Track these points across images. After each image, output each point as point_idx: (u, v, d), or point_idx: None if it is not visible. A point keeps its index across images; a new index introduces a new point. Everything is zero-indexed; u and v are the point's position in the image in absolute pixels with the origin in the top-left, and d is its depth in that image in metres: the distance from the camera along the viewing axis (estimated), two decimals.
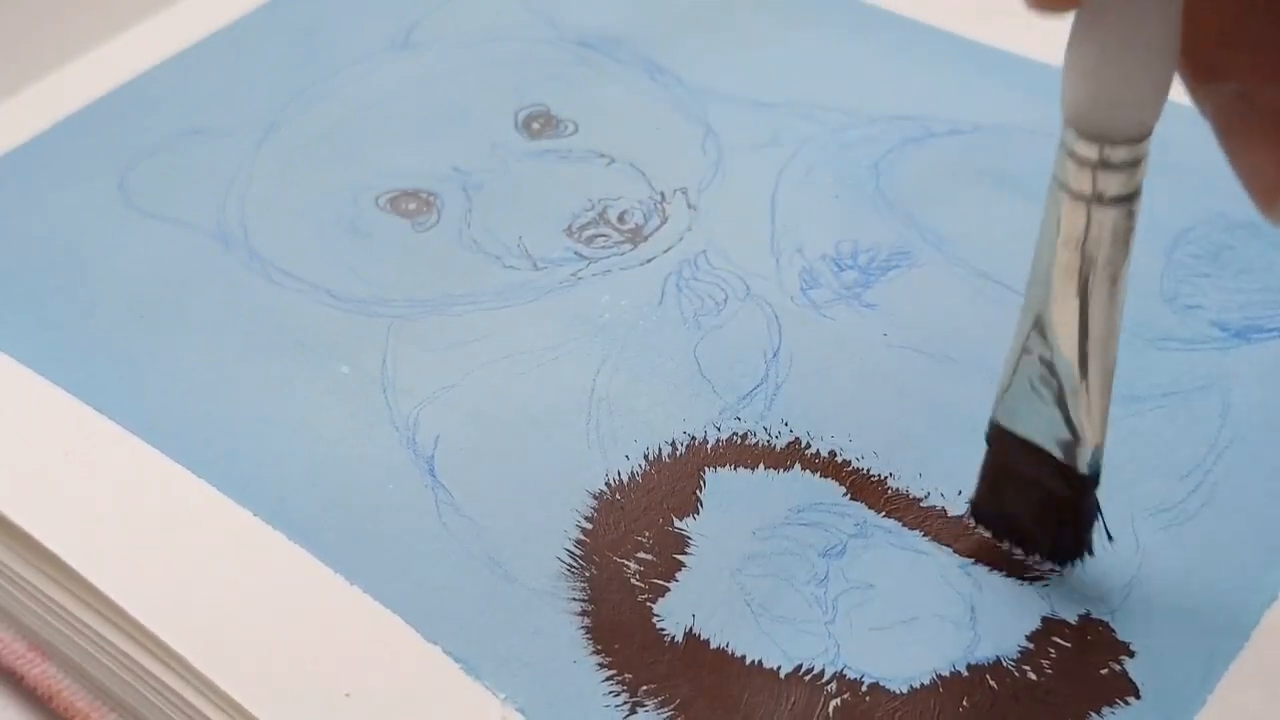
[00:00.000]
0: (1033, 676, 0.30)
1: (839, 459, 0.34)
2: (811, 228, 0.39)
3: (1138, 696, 0.29)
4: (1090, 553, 0.31)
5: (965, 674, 0.30)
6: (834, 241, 0.39)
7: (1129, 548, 0.31)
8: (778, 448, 0.34)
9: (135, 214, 0.41)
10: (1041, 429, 0.29)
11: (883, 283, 0.38)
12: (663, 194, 0.41)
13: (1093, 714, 0.29)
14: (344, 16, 0.48)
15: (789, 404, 0.35)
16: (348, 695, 0.30)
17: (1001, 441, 0.30)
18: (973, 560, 0.31)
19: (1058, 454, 0.29)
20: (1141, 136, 0.26)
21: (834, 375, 0.36)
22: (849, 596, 0.31)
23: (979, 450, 0.31)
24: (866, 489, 0.33)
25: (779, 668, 0.30)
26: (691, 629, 0.31)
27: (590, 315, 0.37)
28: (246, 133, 0.43)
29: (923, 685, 0.29)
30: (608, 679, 0.30)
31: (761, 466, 0.34)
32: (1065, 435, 0.29)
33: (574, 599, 0.31)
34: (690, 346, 0.36)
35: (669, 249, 0.39)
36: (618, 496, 0.33)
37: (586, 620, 0.31)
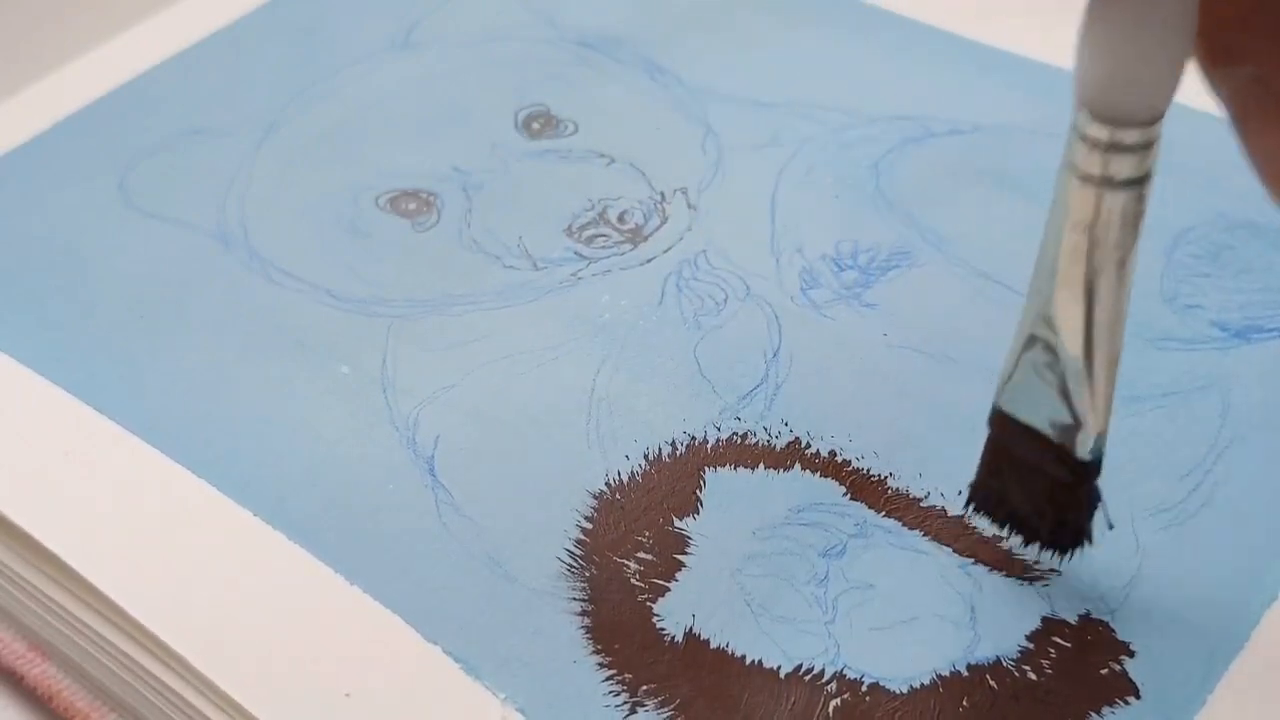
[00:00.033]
0: (1033, 676, 0.30)
1: (839, 459, 0.34)
2: (811, 228, 0.39)
3: (1138, 696, 0.29)
4: (1090, 541, 0.30)
5: (965, 674, 0.30)
6: (834, 241, 0.39)
7: (1129, 548, 0.31)
8: (778, 448, 0.34)
9: (135, 214, 0.41)
10: (1043, 414, 0.29)
11: (883, 283, 0.38)
12: (663, 194, 0.41)
13: (1093, 714, 0.29)
14: (344, 16, 0.48)
15: (789, 404, 0.35)
16: (348, 695, 0.30)
17: (1003, 427, 0.30)
18: (973, 560, 0.31)
19: (1059, 440, 0.29)
20: (1154, 118, 0.26)
21: (834, 375, 0.36)
22: (849, 596, 0.31)
23: (979, 450, 0.31)
24: (866, 489, 0.33)
25: (779, 668, 0.30)
26: (691, 629, 0.31)
27: (590, 315, 0.37)
28: (246, 133, 0.43)
29: (923, 685, 0.29)
30: (608, 679, 0.30)
31: (761, 466, 0.34)
32: (1067, 420, 0.29)
33: (574, 599, 0.31)
34: (690, 346, 0.36)
35: (669, 249, 0.39)
36: (618, 496, 0.33)
37: (586, 620, 0.31)
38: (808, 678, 0.30)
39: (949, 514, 0.32)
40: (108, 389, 0.36)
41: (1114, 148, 0.26)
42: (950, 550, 0.32)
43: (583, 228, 0.40)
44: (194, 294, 0.38)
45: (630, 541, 0.32)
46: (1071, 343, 0.28)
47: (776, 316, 0.37)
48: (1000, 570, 0.31)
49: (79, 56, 0.46)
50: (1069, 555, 0.31)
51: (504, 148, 0.42)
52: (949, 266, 0.38)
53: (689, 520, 0.33)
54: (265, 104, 0.44)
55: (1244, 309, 0.37)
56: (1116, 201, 0.26)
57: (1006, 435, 0.30)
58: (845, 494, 0.33)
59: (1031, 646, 0.30)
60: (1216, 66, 0.26)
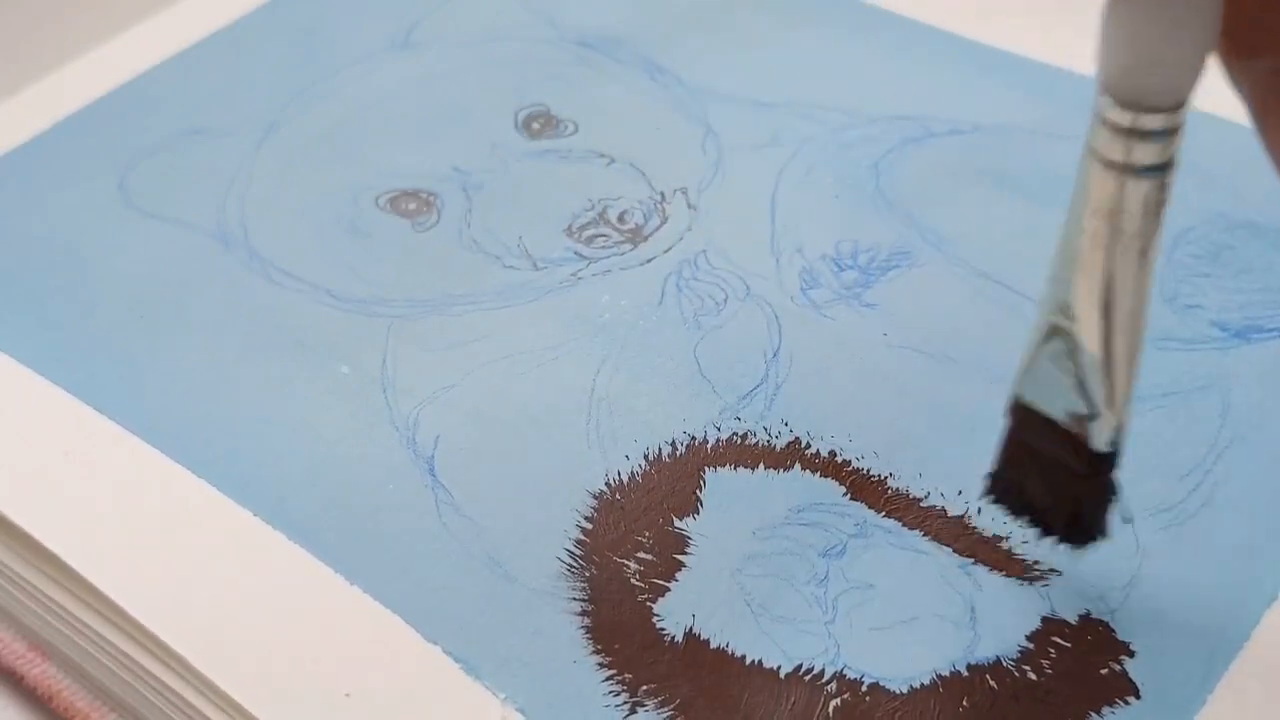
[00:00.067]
0: (1033, 676, 0.30)
1: (839, 459, 0.34)
2: (811, 228, 0.39)
3: (1138, 696, 0.29)
4: (1106, 535, 0.30)
5: (965, 674, 0.30)
6: (834, 241, 0.39)
7: (1129, 548, 0.31)
8: (778, 448, 0.34)
9: (135, 214, 0.41)
10: (1060, 404, 0.29)
11: (883, 283, 0.38)
12: (663, 194, 0.41)
13: (1093, 714, 0.29)
14: (344, 16, 0.48)
15: (789, 404, 0.35)
16: (348, 695, 0.30)
17: (1020, 416, 0.30)
18: (973, 560, 0.31)
19: (1075, 431, 0.29)
20: (1177, 104, 0.25)
21: (834, 375, 0.36)
22: (849, 596, 0.31)
23: (979, 450, 0.31)
24: (866, 489, 0.33)
25: (779, 668, 0.30)
26: (691, 629, 0.31)
27: (590, 315, 0.37)
28: (246, 133, 0.43)
29: (923, 685, 0.29)
30: (608, 679, 0.30)
31: (761, 466, 0.34)
32: (1084, 411, 0.28)
33: (574, 599, 0.31)
34: (690, 346, 0.36)
35: (669, 249, 0.39)
36: (618, 496, 0.33)
37: (586, 620, 0.31)
38: (808, 678, 0.30)
39: (949, 514, 0.32)
40: (108, 389, 0.36)
41: (1136, 133, 0.25)
42: (950, 550, 0.32)
43: (583, 228, 0.40)
44: (194, 294, 0.38)
45: (630, 541, 0.32)
46: (1090, 333, 0.27)
47: (776, 316, 0.37)
48: (1000, 570, 0.31)
49: (79, 56, 0.46)
50: (1084, 549, 0.30)
51: (504, 148, 0.42)
52: (949, 266, 0.38)
53: (689, 520, 0.33)
54: (265, 104, 0.44)
55: (1244, 309, 0.37)
56: (1139, 189, 0.26)
57: (1024, 425, 0.30)
58: (845, 494, 0.33)
59: (1031, 646, 0.30)
60: (1238, 59, 0.26)
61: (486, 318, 0.37)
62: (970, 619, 0.30)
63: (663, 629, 0.31)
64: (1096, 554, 0.31)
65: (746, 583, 0.31)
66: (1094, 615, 0.30)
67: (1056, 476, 0.30)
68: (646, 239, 0.39)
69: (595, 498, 0.33)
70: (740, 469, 0.34)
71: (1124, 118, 0.25)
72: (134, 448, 0.34)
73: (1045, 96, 0.43)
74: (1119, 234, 0.26)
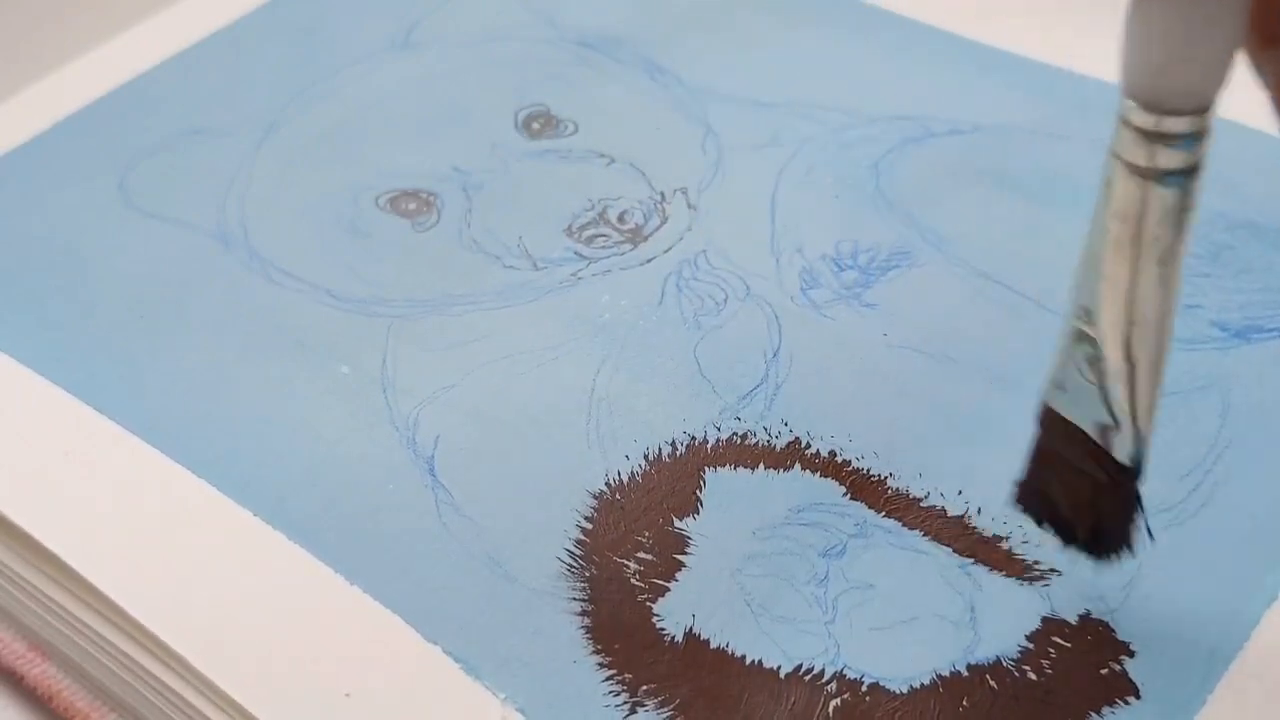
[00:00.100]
0: (1033, 676, 0.30)
1: (839, 459, 0.34)
2: (811, 228, 0.39)
3: (1138, 696, 0.29)
4: (1132, 550, 0.30)
5: (965, 674, 0.30)
6: (834, 241, 0.39)
7: None
8: (778, 448, 0.34)
9: (135, 214, 0.41)
10: (1086, 413, 0.28)
11: (883, 283, 0.38)
12: (663, 194, 0.41)
13: (1093, 714, 0.29)
14: (344, 16, 0.48)
15: (789, 404, 0.35)
16: (348, 695, 0.30)
17: (1048, 423, 0.29)
18: (973, 560, 0.31)
19: (1100, 440, 0.28)
20: (1202, 107, 0.25)
21: (834, 375, 0.36)
22: (849, 596, 0.31)
23: (979, 450, 0.31)
24: (866, 489, 0.33)
25: (779, 668, 0.30)
26: (691, 629, 0.31)
27: (590, 315, 0.37)
28: (246, 133, 0.43)
29: (923, 685, 0.29)
30: (608, 679, 0.30)
31: (761, 466, 0.34)
32: (1107, 420, 0.28)
33: (574, 599, 0.31)
34: (690, 346, 0.36)
35: (669, 249, 0.39)
36: (618, 496, 0.33)
37: (586, 620, 0.31)
38: (808, 678, 0.30)
39: (949, 514, 0.32)
40: (108, 389, 0.36)
41: (1160, 137, 0.25)
42: (950, 550, 0.32)
43: (583, 228, 0.40)
44: (194, 294, 0.38)
45: (630, 541, 0.32)
46: (1112, 340, 0.27)
47: (776, 316, 0.37)
48: (1000, 570, 0.31)
49: (79, 56, 0.46)
50: (1109, 563, 0.30)
51: (504, 148, 0.42)
52: (949, 266, 0.38)
53: (689, 520, 0.33)
54: (265, 104, 0.44)
55: (1244, 309, 0.36)
56: (1161, 194, 0.25)
57: (1051, 432, 0.29)
58: (845, 494, 0.33)
59: (1031, 646, 0.30)
60: (1266, 49, 0.25)
61: (486, 318, 0.37)
62: (970, 619, 0.30)
63: (663, 629, 0.31)
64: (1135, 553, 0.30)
65: (746, 583, 0.31)
66: (1094, 615, 0.30)
67: (1081, 487, 0.29)
68: (646, 239, 0.39)
69: (595, 498, 0.33)
70: (740, 469, 0.34)
71: (1148, 120, 0.25)
72: (134, 448, 0.34)
73: (1045, 96, 0.43)
74: (1141, 240, 0.26)
